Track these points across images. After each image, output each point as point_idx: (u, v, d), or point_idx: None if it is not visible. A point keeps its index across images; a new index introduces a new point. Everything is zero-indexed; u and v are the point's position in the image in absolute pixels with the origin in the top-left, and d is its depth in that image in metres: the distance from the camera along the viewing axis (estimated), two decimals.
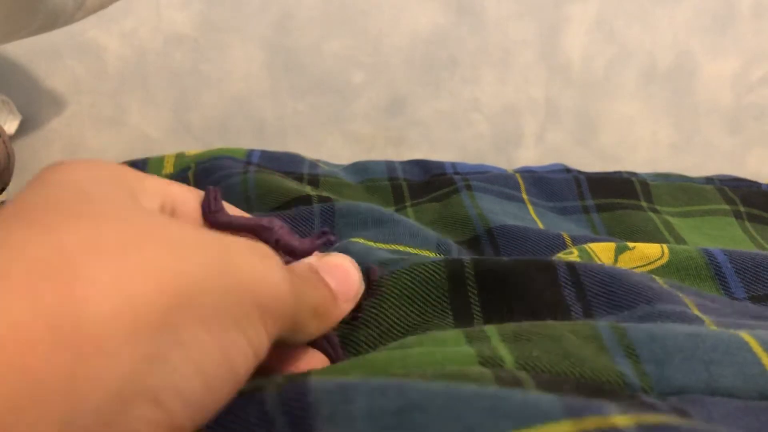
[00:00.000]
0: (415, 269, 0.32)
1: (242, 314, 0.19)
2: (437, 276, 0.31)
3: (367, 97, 0.79)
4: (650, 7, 0.81)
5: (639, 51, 0.82)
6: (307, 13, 0.78)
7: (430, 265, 0.32)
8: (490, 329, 0.25)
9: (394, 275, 0.31)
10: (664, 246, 0.38)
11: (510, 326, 0.26)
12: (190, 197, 0.25)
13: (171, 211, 0.24)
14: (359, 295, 0.25)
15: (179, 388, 0.17)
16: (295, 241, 0.26)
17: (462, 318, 0.30)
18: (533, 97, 0.82)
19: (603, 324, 0.25)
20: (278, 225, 0.26)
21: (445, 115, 0.81)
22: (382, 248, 0.38)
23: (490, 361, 0.23)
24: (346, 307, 0.24)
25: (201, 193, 0.26)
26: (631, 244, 0.39)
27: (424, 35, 0.79)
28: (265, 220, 0.26)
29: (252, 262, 0.20)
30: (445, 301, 0.31)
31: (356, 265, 0.25)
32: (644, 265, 0.37)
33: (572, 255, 0.38)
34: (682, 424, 0.18)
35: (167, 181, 0.24)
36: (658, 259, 0.37)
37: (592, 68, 0.82)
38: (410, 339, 0.25)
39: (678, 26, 0.82)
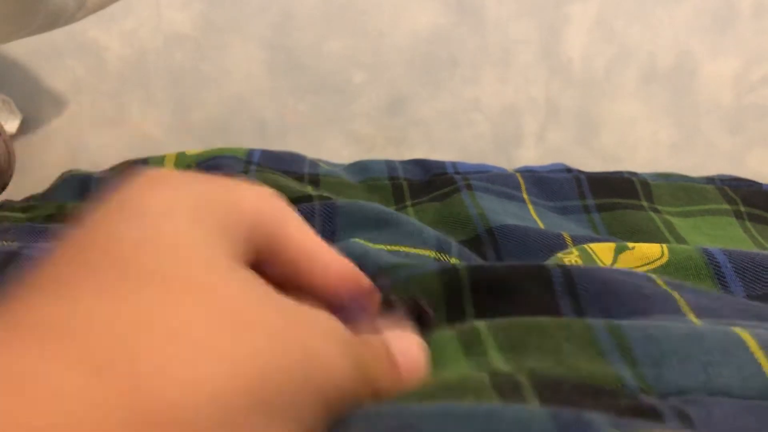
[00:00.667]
0: (412, 278, 0.32)
1: (309, 407, 0.18)
2: (432, 287, 0.31)
3: (368, 96, 0.79)
4: (651, 7, 0.81)
5: (639, 51, 0.82)
6: (308, 13, 0.78)
7: (426, 277, 0.32)
8: (485, 333, 0.25)
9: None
10: (664, 246, 0.38)
11: (503, 326, 0.26)
12: (284, 219, 0.23)
13: (260, 245, 0.22)
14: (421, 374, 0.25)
15: None
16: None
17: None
18: (533, 97, 0.82)
19: (598, 325, 0.25)
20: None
21: (445, 115, 0.81)
22: (382, 249, 0.38)
23: (487, 368, 0.23)
24: (404, 384, 0.23)
25: (294, 216, 0.23)
26: (630, 244, 0.39)
27: (424, 35, 0.79)
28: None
29: (330, 352, 0.19)
30: (441, 310, 0.31)
31: (423, 344, 0.25)
32: (644, 265, 0.37)
33: (572, 255, 0.38)
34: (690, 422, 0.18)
35: (267, 195, 0.22)
36: (658, 259, 0.37)
37: (593, 68, 0.82)
38: None
39: (678, 26, 0.82)
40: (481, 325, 0.26)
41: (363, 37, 0.79)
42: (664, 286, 0.31)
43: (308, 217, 0.45)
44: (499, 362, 0.24)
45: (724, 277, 0.36)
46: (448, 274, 0.32)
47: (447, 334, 0.26)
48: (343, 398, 0.19)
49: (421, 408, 0.19)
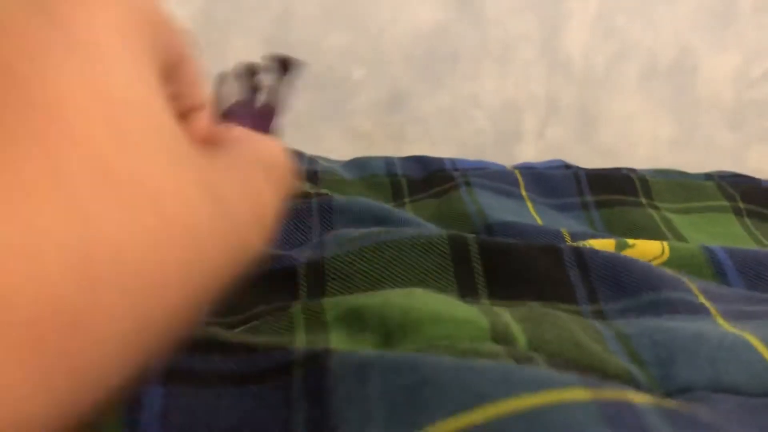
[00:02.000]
0: (416, 239, 0.32)
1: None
2: (440, 248, 0.31)
3: (367, 92, 0.79)
4: (651, 3, 0.81)
5: (640, 47, 0.82)
6: (307, 8, 0.78)
7: (433, 237, 0.32)
8: (500, 309, 0.26)
9: (394, 243, 0.31)
10: (665, 243, 0.38)
11: (521, 310, 0.26)
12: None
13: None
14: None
15: None
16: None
17: (466, 290, 0.30)
18: (533, 93, 0.81)
19: (607, 332, 0.25)
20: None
21: (444, 111, 0.80)
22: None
23: (503, 338, 0.23)
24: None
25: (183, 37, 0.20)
26: (630, 241, 0.39)
27: (424, 31, 0.79)
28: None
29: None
30: (449, 273, 0.30)
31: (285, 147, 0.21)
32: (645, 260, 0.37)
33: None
34: (700, 414, 0.18)
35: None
36: (659, 256, 0.37)
37: (593, 64, 0.81)
38: (418, 291, 0.25)
39: (679, 22, 0.82)
40: (496, 308, 0.26)
41: (362, 32, 0.78)
42: (672, 272, 0.31)
43: (306, 214, 0.45)
44: (516, 329, 0.24)
45: (726, 275, 0.36)
46: (456, 239, 0.32)
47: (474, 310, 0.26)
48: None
49: (439, 361, 0.18)
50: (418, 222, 0.44)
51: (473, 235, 0.33)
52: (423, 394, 0.17)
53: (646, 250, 0.38)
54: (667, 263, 0.36)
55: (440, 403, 0.17)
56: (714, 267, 0.36)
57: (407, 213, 0.49)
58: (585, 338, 0.24)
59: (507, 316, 0.25)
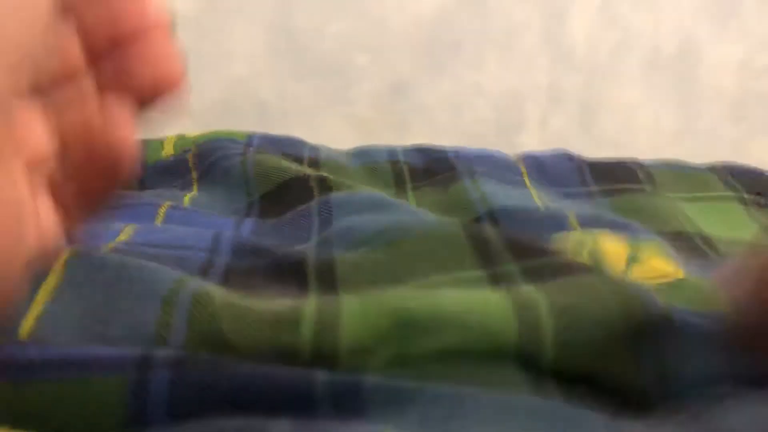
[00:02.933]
0: (430, 229, 0.32)
1: None
2: (454, 233, 0.31)
3: (370, 80, 0.79)
4: None
5: (643, 37, 0.81)
6: None
7: (446, 224, 0.32)
8: (528, 287, 0.26)
9: (409, 236, 0.31)
10: (678, 269, 0.37)
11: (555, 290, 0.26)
12: None
13: None
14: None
15: None
16: None
17: (489, 264, 0.30)
18: (536, 83, 0.81)
19: None
20: None
21: (447, 100, 0.80)
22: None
23: (532, 341, 0.23)
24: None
25: None
26: (643, 254, 0.38)
27: (427, 18, 0.79)
28: None
29: None
30: (469, 254, 0.30)
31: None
32: (655, 278, 0.36)
33: (573, 242, 0.38)
34: None
35: None
36: (667, 276, 0.36)
37: (596, 54, 0.81)
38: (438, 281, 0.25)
39: (683, 12, 0.81)
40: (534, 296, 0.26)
41: (365, 19, 0.78)
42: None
43: (306, 216, 0.44)
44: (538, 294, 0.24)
45: None
46: (473, 228, 0.31)
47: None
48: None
49: (478, 397, 0.18)
50: (416, 211, 0.44)
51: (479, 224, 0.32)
52: (458, 425, 0.17)
53: (656, 267, 0.37)
54: (675, 286, 0.36)
55: None
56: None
57: (406, 203, 0.49)
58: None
59: (535, 295, 0.25)
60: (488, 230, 0.31)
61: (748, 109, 0.84)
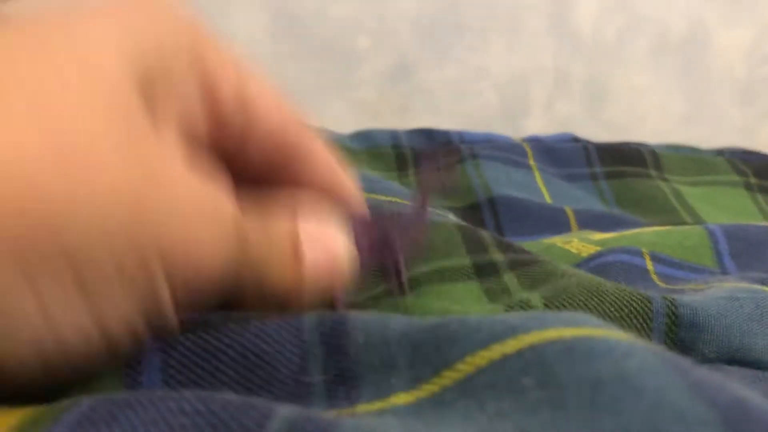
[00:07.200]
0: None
1: (138, 264, 0.15)
2: (452, 235, 0.30)
3: (373, 63, 0.78)
4: None
5: (651, 20, 0.80)
6: None
7: (444, 225, 0.31)
8: (511, 280, 0.25)
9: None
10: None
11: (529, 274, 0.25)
12: (271, 107, 0.20)
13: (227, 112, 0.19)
14: (341, 281, 0.20)
15: None
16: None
17: (480, 256, 0.29)
18: (542, 66, 0.80)
19: (656, 296, 0.24)
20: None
21: (451, 83, 0.79)
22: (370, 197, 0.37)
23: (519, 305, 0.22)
24: (311, 293, 0.19)
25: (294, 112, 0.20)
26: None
27: (431, 0, 0.78)
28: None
29: (191, 224, 0.16)
30: (460, 246, 0.29)
31: (346, 244, 0.20)
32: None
33: (573, 243, 0.37)
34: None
35: (254, 75, 0.19)
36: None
37: (603, 37, 0.80)
38: (425, 289, 0.24)
39: None
40: (510, 279, 0.25)
41: (368, 1, 0.77)
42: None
43: None
44: (532, 296, 0.23)
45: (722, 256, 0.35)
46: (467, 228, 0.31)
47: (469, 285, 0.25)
48: (207, 284, 0.17)
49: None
50: (405, 193, 0.44)
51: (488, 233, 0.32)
52: (449, 328, 0.15)
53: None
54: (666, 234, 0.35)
55: (469, 337, 0.15)
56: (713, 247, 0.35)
57: (394, 184, 0.48)
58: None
59: (515, 285, 0.24)
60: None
61: (757, 93, 0.83)
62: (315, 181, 0.21)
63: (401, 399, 0.15)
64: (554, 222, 0.44)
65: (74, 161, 0.14)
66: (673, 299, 0.23)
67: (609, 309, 0.22)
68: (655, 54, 0.81)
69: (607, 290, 0.23)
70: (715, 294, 0.24)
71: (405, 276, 0.23)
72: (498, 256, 0.26)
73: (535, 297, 0.23)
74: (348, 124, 0.75)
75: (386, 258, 0.23)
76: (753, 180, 0.57)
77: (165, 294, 0.16)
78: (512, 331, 0.15)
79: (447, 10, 0.78)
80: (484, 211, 0.46)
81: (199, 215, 0.16)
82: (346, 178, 0.22)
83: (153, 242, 0.15)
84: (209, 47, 0.19)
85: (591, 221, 0.45)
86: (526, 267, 0.25)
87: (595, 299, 0.22)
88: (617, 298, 0.22)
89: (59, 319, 0.14)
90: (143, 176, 0.15)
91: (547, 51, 0.80)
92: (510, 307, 0.22)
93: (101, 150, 0.14)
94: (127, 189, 0.14)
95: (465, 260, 0.26)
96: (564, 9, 0.79)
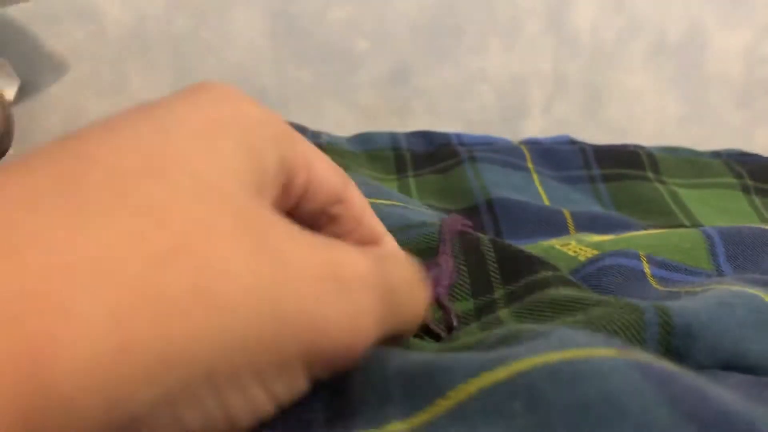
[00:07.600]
0: (424, 237, 0.31)
1: (277, 365, 0.15)
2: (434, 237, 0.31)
3: (372, 65, 0.78)
4: None
5: (649, 22, 0.80)
6: None
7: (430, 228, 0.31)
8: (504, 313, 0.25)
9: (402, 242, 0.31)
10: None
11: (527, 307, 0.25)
12: (328, 181, 0.21)
13: (299, 194, 0.20)
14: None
15: None
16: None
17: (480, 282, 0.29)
18: (540, 68, 0.80)
19: (648, 305, 0.24)
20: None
21: (450, 85, 0.79)
22: (380, 203, 0.38)
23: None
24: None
25: (343, 178, 0.21)
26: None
27: (429, 3, 0.78)
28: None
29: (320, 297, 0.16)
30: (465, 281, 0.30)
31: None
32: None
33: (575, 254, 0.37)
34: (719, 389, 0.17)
35: (317, 155, 0.20)
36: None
37: (601, 39, 0.80)
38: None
39: None
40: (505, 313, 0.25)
41: (367, 4, 0.77)
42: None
43: None
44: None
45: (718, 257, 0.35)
46: (468, 237, 0.31)
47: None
48: (349, 354, 0.17)
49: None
50: (408, 199, 0.44)
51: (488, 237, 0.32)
52: (444, 361, 0.16)
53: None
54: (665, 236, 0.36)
55: (461, 367, 0.16)
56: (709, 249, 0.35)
57: (409, 188, 0.49)
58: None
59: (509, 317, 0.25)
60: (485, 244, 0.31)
61: (754, 96, 0.83)
62: (354, 239, 0.22)
63: (396, 427, 0.15)
64: (552, 224, 0.44)
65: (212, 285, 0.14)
66: (665, 308, 0.23)
67: (600, 324, 0.22)
68: (652, 56, 0.81)
69: (596, 314, 0.23)
70: (709, 299, 0.24)
71: (453, 312, 0.25)
72: (499, 293, 0.27)
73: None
74: (347, 127, 0.75)
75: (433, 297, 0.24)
76: (750, 182, 0.58)
77: (302, 384, 0.16)
78: (503, 360, 0.15)
79: (446, 13, 0.78)
80: (482, 214, 0.46)
81: (331, 281, 0.16)
82: (384, 232, 0.23)
83: (294, 341, 0.15)
84: (294, 140, 0.20)
85: (588, 223, 0.45)
86: (521, 301, 0.26)
87: (583, 321, 0.22)
88: (606, 313, 0.22)
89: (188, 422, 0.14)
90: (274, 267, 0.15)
91: (545, 53, 0.80)
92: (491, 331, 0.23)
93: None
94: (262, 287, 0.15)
95: (469, 304, 0.27)
96: (562, 12, 0.79)
